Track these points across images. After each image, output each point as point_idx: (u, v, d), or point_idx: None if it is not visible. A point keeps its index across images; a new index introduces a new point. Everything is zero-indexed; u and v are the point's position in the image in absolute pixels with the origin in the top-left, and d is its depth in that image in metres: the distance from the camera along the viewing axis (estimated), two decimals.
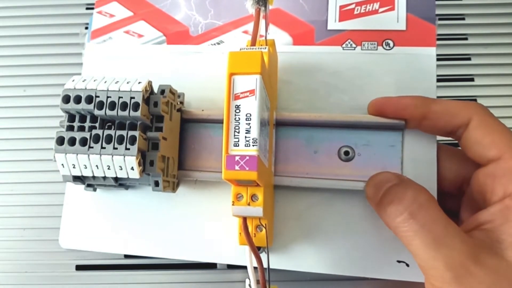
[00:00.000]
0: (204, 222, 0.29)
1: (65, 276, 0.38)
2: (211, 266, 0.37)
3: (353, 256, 0.28)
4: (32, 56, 0.43)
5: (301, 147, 0.29)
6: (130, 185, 0.30)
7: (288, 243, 0.28)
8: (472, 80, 0.42)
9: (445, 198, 0.28)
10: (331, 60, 0.30)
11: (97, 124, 0.26)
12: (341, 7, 0.31)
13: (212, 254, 0.29)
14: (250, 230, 0.25)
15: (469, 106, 0.26)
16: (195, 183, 0.30)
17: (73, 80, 0.27)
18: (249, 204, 0.23)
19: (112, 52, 0.32)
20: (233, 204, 0.23)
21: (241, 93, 0.22)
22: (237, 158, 0.21)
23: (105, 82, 0.26)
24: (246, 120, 0.22)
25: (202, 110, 0.30)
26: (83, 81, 0.27)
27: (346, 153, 0.29)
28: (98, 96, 0.26)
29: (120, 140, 0.26)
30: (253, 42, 0.26)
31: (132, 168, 0.25)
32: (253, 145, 0.22)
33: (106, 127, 0.27)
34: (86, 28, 0.37)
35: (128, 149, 0.25)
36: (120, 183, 0.28)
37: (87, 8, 0.44)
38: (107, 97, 0.26)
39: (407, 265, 0.28)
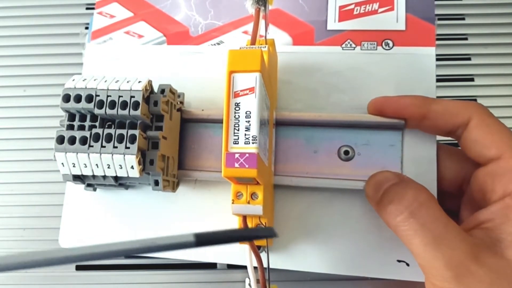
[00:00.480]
0: (204, 222, 0.29)
1: (65, 276, 0.38)
2: (211, 266, 0.37)
3: (353, 255, 0.28)
4: (32, 56, 0.43)
5: (301, 146, 0.29)
6: (130, 185, 0.30)
7: (288, 242, 0.28)
8: (472, 80, 0.42)
9: (445, 197, 0.28)
10: (330, 60, 0.30)
11: (97, 123, 0.27)
12: (340, 7, 0.31)
13: (212, 254, 0.29)
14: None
15: (468, 106, 0.26)
16: (195, 183, 0.30)
17: (73, 80, 0.27)
18: (249, 203, 0.23)
19: (113, 53, 0.32)
20: (233, 203, 0.23)
21: (241, 90, 0.22)
22: (236, 155, 0.21)
23: (105, 81, 0.27)
24: (245, 117, 0.22)
25: (202, 110, 0.30)
26: (83, 80, 0.27)
27: (346, 152, 0.29)
28: (98, 95, 0.26)
29: (120, 139, 0.26)
30: (253, 42, 0.26)
31: (132, 167, 0.26)
32: (252, 143, 0.22)
33: (106, 126, 0.27)
34: (86, 28, 0.37)
35: (128, 148, 0.25)
36: (120, 182, 0.28)
37: (87, 8, 0.44)
38: (107, 96, 0.26)
39: (407, 264, 0.27)
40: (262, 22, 0.27)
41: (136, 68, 0.32)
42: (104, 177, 0.27)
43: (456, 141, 0.27)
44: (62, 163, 0.26)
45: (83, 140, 0.26)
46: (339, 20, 0.31)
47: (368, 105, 0.28)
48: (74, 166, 0.26)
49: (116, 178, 0.28)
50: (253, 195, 0.23)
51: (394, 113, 0.28)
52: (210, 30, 0.32)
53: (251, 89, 0.22)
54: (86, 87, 0.26)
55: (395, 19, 0.30)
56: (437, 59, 0.30)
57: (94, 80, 0.27)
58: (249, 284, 0.25)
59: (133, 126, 0.27)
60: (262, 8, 0.27)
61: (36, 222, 0.40)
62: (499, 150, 0.25)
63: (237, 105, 0.22)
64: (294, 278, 0.34)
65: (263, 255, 0.25)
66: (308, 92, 0.30)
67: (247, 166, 0.21)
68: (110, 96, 0.26)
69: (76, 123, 0.27)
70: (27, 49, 0.44)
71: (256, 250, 0.24)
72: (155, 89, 0.28)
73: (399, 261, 0.28)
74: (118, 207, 0.30)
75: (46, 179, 0.40)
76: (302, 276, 0.30)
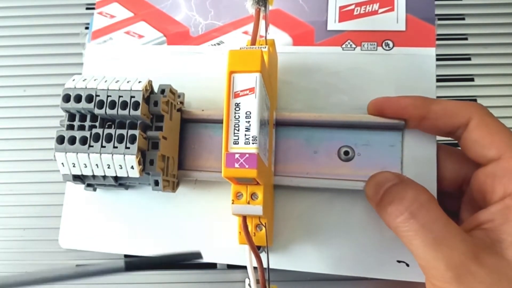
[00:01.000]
0: (204, 222, 0.29)
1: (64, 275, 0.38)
2: (211, 266, 0.37)
3: (353, 256, 0.28)
4: (32, 56, 0.43)
5: (301, 147, 0.29)
6: (130, 185, 0.30)
7: (288, 243, 0.28)
8: (472, 80, 0.42)
9: (445, 198, 0.28)
10: (331, 60, 0.30)
11: (97, 123, 0.27)
12: (340, 7, 0.31)
13: (211, 254, 0.29)
14: (250, 229, 0.25)
15: (468, 106, 0.26)
16: (195, 183, 0.30)
17: (73, 80, 0.27)
18: (248, 203, 0.23)
19: (113, 53, 0.32)
20: (232, 203, 0.23)
21: (241, 91, 0.22)
22: (236, 155, 0.21)
23: (106, 81, 0.27)
24: (246, 118, 0.22)
25: (202, 110, 0.30)
26: (83, 80, 0.27)
27: (346, 153, 0.29)
28: (99, 95, 0.26)
29: (120, 139, 0.26)
30: (253, 42, 0.26)
31: (132, 167, 0.26)
32: (252, 143, 0.22)
33: (106, 126, 0.27)
34: (87, 28, 0.37)
35: (128, 148, 0.25)
36: (120, 182, 0.28)
37: (87, 8, 0.44)
38: (107, 96, 0.26)
39: (407, 265, 0.27)
40: (262, 23, 0.27)
41: (136, 68, 0.32)
42: (104, 177, 0.27)
43: (456, 141, 0.27)
44: (62, 163, 0.26)
45: (83, 140, 0.26)
46: (339, 21, 0.31)
47: (368, 105, 0.28)
48: (74, 166, 0.26)
49: (116, 178, 0.28)
50: (253, 195, 0.23)
51: (394, 113, 0.28)
52: (210, 30, 0.32)
53: (251, 90, 0.22)
54: (86, 87, 0.26)
55: (395, 19, 0.30)
56: (437, 59, 0.30)
57: (94, 80, 0.27)
58: (249, 285, 0.25)
59: (133, 126, 0.27)
60: (262, 8, 0.27)
61: (36, 222, 0.40)
62: (499, 151, 0.25)
63: (237, 105, 0.22)
64: (294, 278, 0.34)
65: (263, 255, 0.25)
66: (308, 92, 0.30)
67: (247, 166, 0.21)
68: (110, 96, 0.26)
69: (76, 123, 0.27)
70: (27, 49, 0.44)
71: (256, 251, 0.24)
72: (155, 89, 0.28)
73: (399, 261, 0.28)
74: (118, 207, 0.30)
75: (46, 179, 0.40)
76: (301, 276, 0.30)
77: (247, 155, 0.21)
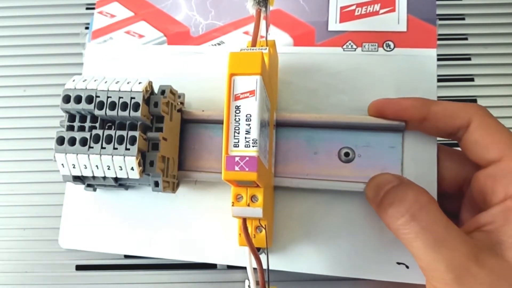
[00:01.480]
0: (204, 223, 0.29)
1: (65, 276, 0.38)
2: (211, 266, 0.37)
3: (353, 257, 0.28)
4: (32, 56, 0.43)
5: (301, 148, 0.29)
6: (130, 185, 0.30)
7: (288, 244, 0.28)
8: (472, 80, 0.42)
9: (445, 199, 0.28)
10: (331, 61, 0.30)
11: (97, 124, 0.26)
12: (341, 8, 0.31)
13: (212, 255, 0.29)
14: (249, 231, 0.25)
15: (469, 107, 0.26)
16: (195, 184, 0.30)
17: (73, 80, 0.27)
18: (248, 205, 0.23)
19: (113, 53, 0.32)
20: (232, 205, 0.23)
21: (241, 93, 0.22)
22: (237, 158, 0.21)
23: (106, 82, 0.26)
24: (246, 120, 0.22)
25: (203, 111, 0.30)
26: (83, 81, 0.27)
27: (346, 154, 0.29)
28: (99, 96, 0.26)
29: (120, 140, 0.26)
30: (254, 43, 0.26)
31: (132, 169, 0.25)
32: (253, 146, 0.22)
33: (106, 127, 0.27)
34: (87, 28, 0.37)
35: (128, 149, 0.25)
36: (120, 183, 0.28)
37: (87, 8, 0.44)
38: (108, 97, 0.26)
39: (407, 267, 0.27)
40: (263, 23, 0.27)
41: (137, 68, 0.32)
42: (104, 177, 0.27)
43: (456, 142, 0.27)
44: (62, 164, 0.26)
45: (83, 141, 0.26)
46: (340, 21, 0.31)
47: (369, 107, 0.28)
48: (74, 167, 0.26)
49: (116, 179, 0.28)
50: (253, 198, 0.23)
51: (395, 115, 0.28)
52: (210, 30, 0.32)
53: (252, 92, 0.22)
54: (86, 88, 0.26)
55: (396, 20, 0.30)
56: (438, 59, 0.30)
57: (95, 80, 0.27)
58: (249, 286, 0.25)
59: (133, 127, 0.26)
60: (263, 9, 0.27)
61: (36, 222, 0.40)
62: (499, 152, 0.25)
63: (237, 108, 0.22)
64: (293, 278, 0.34)
65: (263, 257, 0.25)
66: (308, 93, 0.30)
67: (247, 169, 0.21)
68: (111, 97, 0.26)
69: (76, 123, 0.27)
70: (27, 49, 0.43)
71: (256, 253, 0.24)
72: (156, 90, 0.28)
73: (398, 263, 0.28)
74: (118, 208, 0.30)
75: (46, 179, 0.40)
76: (301, 276, 0.30)
77: (247, 158, 0.21)
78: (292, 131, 0.29)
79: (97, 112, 0.26)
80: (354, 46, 0.30)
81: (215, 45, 0.32)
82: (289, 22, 0.31)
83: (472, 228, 0.25)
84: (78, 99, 0.26)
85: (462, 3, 0.44)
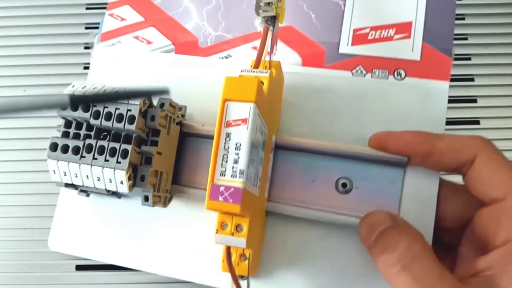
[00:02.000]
0: (193, 241, 0.29)
1: (65, 276, 0.39)
2: None
3: None
4: (32, 56, 0.43)
5: (299, 173, 0.28)
6: (123, 194, 0.29)
7: (275, 271, 0.28)
8: (472, 80, 0.42)
9: (445, 231, 0.27)
10: (339, 85, 0.29)
11: (92, 133, 0.26)
12: (355, 30, 0.30)
13: (196, 275, 0.28)
14: (234, 258, 0.25)
15: (475, 141, 0.25)
16: (188, 199, 0.29)
17: (72, 86, 0.27)
18: (233, 234, 0.23)
19: (120, 57, 0.32)
20: (217, 232, 0.23)
21: (233, 120, 0.21)
22: (222, 188, 0.21)
23: (104, 91, 0.26)
24: (235, 149, 0.21)
25: (203, 125, 0.29)
26: (82, 87, 0.26)
27: (344, 185, 0.28)
28: (96, 105, 0.26)
29: (113, 152, 0.25)
30: (257, 63, 0.25)
31: (122, 182, 0.25)
32: (239, 177, 0.21)
33: (102, 136, 0.26)
34: (86, 28, 0.37)
35: (119, 162, 0.25)
36: (112, 192, 0.28)
37: (87, 8, 0.44)
38: (104, 107, 0.25)
39: None
40: (269, 41, 0.26)
41: (142, 74, 0.31)
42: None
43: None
44: (54, 171, 0.26)
45: (76, 150, 0.26)
46: (352, 44, 0.30)
47: (370, 139, 0.27)
48: (65, 175, 0.26)
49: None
50: (238, 227, 0.23)
51: (397, 149, 0.27)
52: (219, 42, 0.31)
53: (244, 120, 0.21)
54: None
55: (410, 48, 0.29)
56: None
57: (94, 88, 0.26)
58: None
59: (128, 138, 0.26)
60: (271, 28, 0.26)
61: (36, 222, 0.40)
62: (504, 191, 0.24)
63: (228, 135, 0.21)
64: None
65: (245, 284, 0.25)
66: (313, 116, 0.29)
67: (231, 201, 0.21)
68: (107, 107, 0.25)
69: (72, 130, 0.27)
70: (27, 49, 0.44)
71: (237, 281, 0.23)
72: (157, 100, 0.27)
73: None
74: (110, 216, 0.30)
75: (46, 179, 0.40)
76: None
77: (232, 189, 0.21)
78: (291, 155, 0.28)
79: (92, 121, 0.26)
80: (364, 72, 0.29)
81: (222, 58, 0.31)
82: (299, 41, 0.30)
83: (470, 274, 0.24)
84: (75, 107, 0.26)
85: (462, 3, 0.43)
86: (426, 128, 0.27)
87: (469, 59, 0.42)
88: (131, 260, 0.29)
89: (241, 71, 0.25)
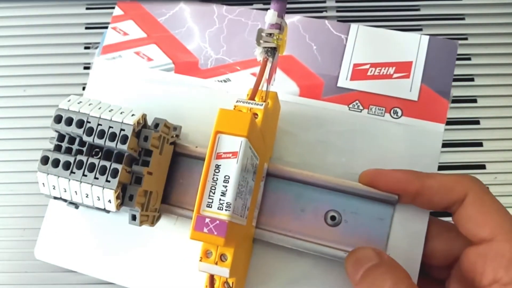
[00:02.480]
0: (177, 262, 0.29)
1: (65, 276, 0.38)
2: None
3: None
4: (32, 56, 0.43)
5: (289, 202, 0.28)
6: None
7: None
8: (472, 80, 0.42)
9: (433, 267, 0.28)
10: (335, 118, 0.29)
11: (84, 149, 0.26)
12: (355, 65, 0.30)
13: None
14: (217, 284, 0.25)
15: (465, 180, 0.26)
16: (176, 220, 0.29)
17: (68, 100, 0.27)
18: (216, 263, 0.22)
19: (119, 71, 0.32)
20: (200, 260, 0.23)
21: (224, 153, 0.21)
22: (207, 220, 0.21)
23: (100, 108, 0.26)
24: (224, 182, 0.21)
25: (196, 147, 0.29)
26: (78, 103, 0.26)
27: (333, 218, 0.28)
28: (90, 122, 0.26)
29: (103, 170, 0.25)
30: (253, 94, 0.25)
31: (110, 201, 0.25)
32: (226, 210, 0.21)
33: (94, 152, 0.26)
34: (87, 28, 0.37)
35: (109, 181, 0.25)
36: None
37: (87, 8, 0.44)
38: (98, 124, 0.26)
39: None
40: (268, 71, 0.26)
41: (140, 91, 0.31)
42: None
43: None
44: (43, 184, 0.26)
45: (67, 165, 0.26)
46: (351, 79, 0.30)
47: (361, 176, 0.27)
48: (54, 189, 0.26)
49: None
50: (222, 256, 0.23)
51: (387, 187, 0.27)
52: (219, 65, 0.31)
53: (234, 154, 0.21)
54: (79, 111, 0.26)
55: (409, 87, 0.29)
56: None
57: (89, 104, 0.26)
58: None
59: (119, 157, 0.26)
60: (270, 59, 0.26)
61: (36, 222, 0.40)
62: (492, 232, 0.24)
63: (217, 167, 0.21)
64: None
65: None
66: (306, 147, 0.29)
67: (215, 233, 0.21)
68: (101, 125, 0.25)
69: (64, 144, 0.27)
70: (27, 49, 0.43)
71: None
72: (152, 118, 0.27)
73: None
74: (97, 229, 0.30)
75: None
76: None
77: (217, 222, 0.21)
78: (282, 184, 0.28)
79: (85, 137, 0.26)
80: (361, 107, 0.29)
81: (221, 81, 0.31)
82: (299, 71, 0.30)
83: None
84: (69, 121, 0.26)
85: (462, 3, 0.43)
86: (418, 168, 0.27)
87: (469, 59, 0.43)
88: (114, 275, 0.29)
89: (237, 101, 0.25)
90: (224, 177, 0.21)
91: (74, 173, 0.25)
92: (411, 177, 0.26)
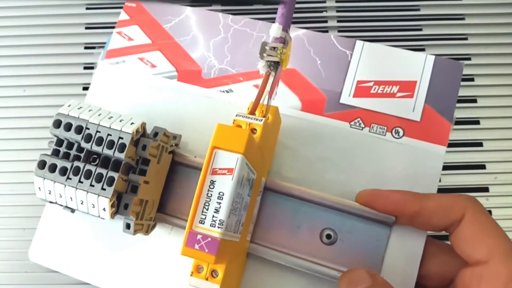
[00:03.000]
0: (169, 271, 0.29)
1: (65, 276, 0.38)
2: None
3: None
4: (32, 56, 0.43)
5: (285, 218, 0.28)
6: None
7: None
8: (472, 80, 0.42)
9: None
10: (336, 135, 0.29)
11: (82, 155, 0.26)
12: (358, 82, 0.30)
13: None
14: None
15: (462, 201, 0.25)
16: (171, 230, 0.29)
17: (69, 105, 0.27)
18: (207, 279, 0.22)
19: (122, 76, 0.32)
20: (191, 275, 0.23)
21: (220, 169, 0.21)
22: (199, 236, 0.21)
23: (99, 115, 0.26)
24: (217, 198, 0.21)
25: (195, 157, 0.29)
26: (78, 108, 0.26)
27: (328, 236, 0.27)
28: (88, 128, 0.26)
29: (99, 178, 0.25)
30: (254, 109, 0.25)
31: (104, 209, 0.25)
32: (218, 227, 0.21)
33: (92, 159, 0.26)
34: (86, 28, 0.36)
35: (104, 189, 0.25)
36: None
37: (87, 8, 0.44)
38: (97, 131, 0.25)
39: None
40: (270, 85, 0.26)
41: (142, 97, 0.31)
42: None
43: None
44: (39, 188, 0.26)
45: (63, 171, 0.25)
46: (354, 95, 0.29)
47: (358, 195, 0.27)
48: (50, 193, 0.26)
49: None
50: (213, 272, 0.22)
51: (384, 209, 0.26)
52: (222, 75, 0.31)
53: (230, 170, 0.21)
54: (78, 117, 0.26)
55: (412, 107, 0.29)
56: None
57: (89, 110, 0.26)
58: None
59: (117, 164, 0.26)
60: (273, 73, 0.26)
61: (36, 222, 0.40)
62: (488, 253, 0.24)
63: (212, 183, 0.21)
64: None
65: None
66: (305, 162, 0.29)
67: (206, 250, 0.20)
68: (100, 132, 0.25)
69: (62, 149, 0.27)
70: (27, 49, 0.43)
71: None
72: (151, 127, 0.27)
73: None
74: (92, 235, 0.30)
75: None
76: None
77: (209, 239, 0.20)
78: (279, 199, 0.28)
79: (83, 144, 0.25)
80: (362, 125, 0.29)
81: (223, 91, 0.31)
82: (302, 85, 0.30)
83: None
84: (68, 127, 0.26)
85: (462, 3, 0.43)
86: (418, 189, 0.27)
87: (469, 59, 0.43)
88: (109, 282, 0.29)
89: (236, 116, 0.25)
90: (219, 194, 0.21)
91: (70, 179, 0.25)
92: (409, 198, 0.26)
